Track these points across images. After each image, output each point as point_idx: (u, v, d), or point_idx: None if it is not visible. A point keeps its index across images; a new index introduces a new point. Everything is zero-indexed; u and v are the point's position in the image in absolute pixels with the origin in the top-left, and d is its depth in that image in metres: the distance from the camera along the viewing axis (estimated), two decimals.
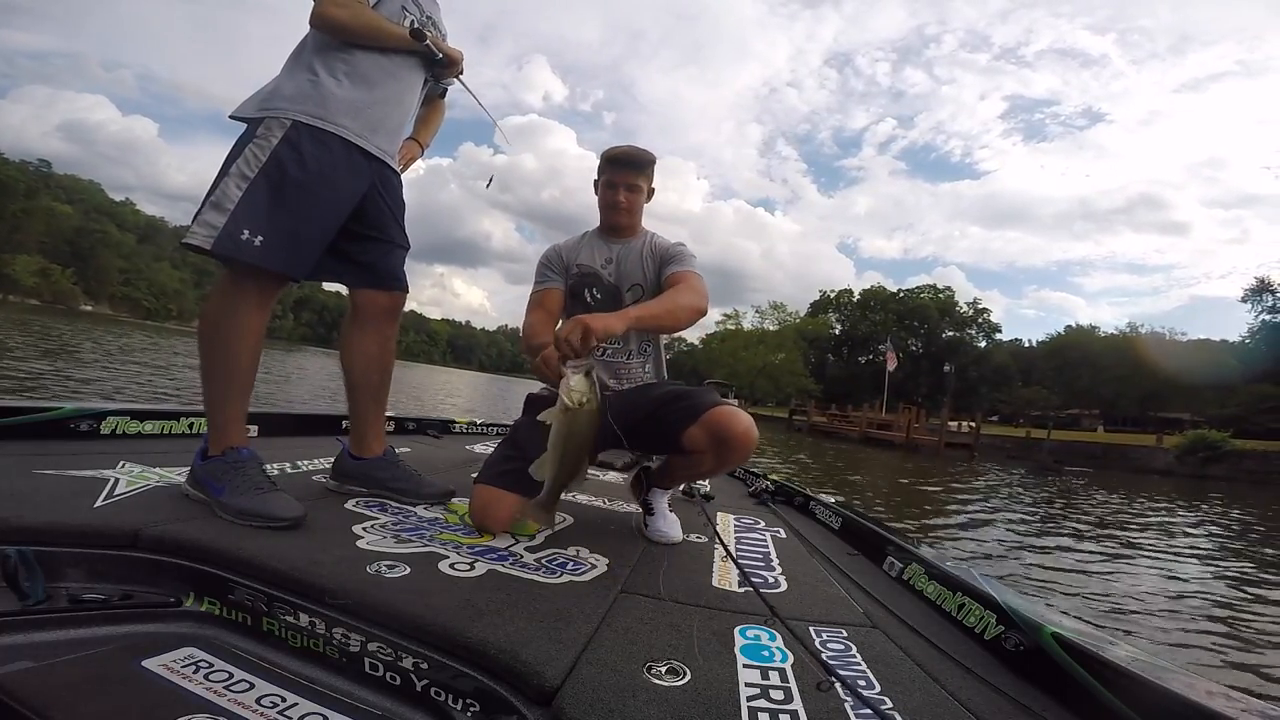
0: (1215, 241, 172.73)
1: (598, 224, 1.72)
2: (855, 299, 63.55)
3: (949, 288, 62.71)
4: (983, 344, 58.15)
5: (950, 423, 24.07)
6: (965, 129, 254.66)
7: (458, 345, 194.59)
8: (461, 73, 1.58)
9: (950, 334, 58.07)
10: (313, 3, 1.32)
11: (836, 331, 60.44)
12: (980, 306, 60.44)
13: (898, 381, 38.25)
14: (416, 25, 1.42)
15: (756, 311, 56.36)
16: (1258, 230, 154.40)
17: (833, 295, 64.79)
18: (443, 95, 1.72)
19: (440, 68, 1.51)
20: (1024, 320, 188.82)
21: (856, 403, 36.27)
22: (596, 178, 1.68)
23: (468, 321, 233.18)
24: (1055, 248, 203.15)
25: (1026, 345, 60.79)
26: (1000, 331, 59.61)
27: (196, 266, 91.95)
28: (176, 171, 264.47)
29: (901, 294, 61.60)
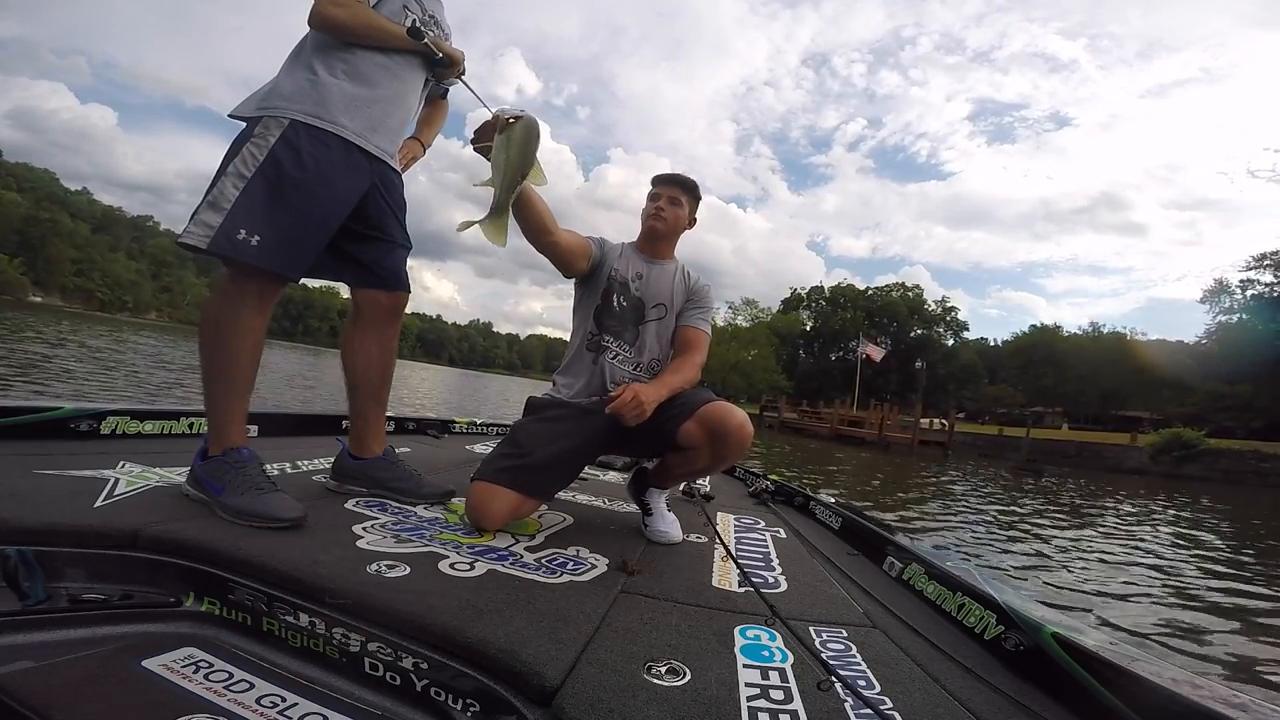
0: (1171, 243, 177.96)
1: (637, 235, 1.75)
2: (826, 296, 64.06)
3: (918, 285, 63.70)
4: (950, 342, 58.80)
5: (921, 420, 24.13)
6: (933, 130, 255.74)
7: (428, 340, 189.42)
8: (463, 73, 1.58)
9: (919, 331, 58.68)
10: (311, 2, 1.31)
11: (808, 328, 60.76)
12: (948, 305, 61.35)
13: (867, 378, 38.56)
14: (417, 24, 1.42)
15: (729, 307, 55.61)
16: (1211, 233, 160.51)
17: (804, 292, 65.28)
18: (444, 95, 1.72)
19: (441, 68, 1.51)
20: (987, 319, 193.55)
21: (827, 399, 36.50)
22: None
23: (438, 315, 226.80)
24: (1019, 249, 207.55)
25: (992, 344, 61.56)
26: (968, 330, 60.57)
27: (154, 258, 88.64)
28: (134, 161, 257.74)
29: (871, 292, 62.29)
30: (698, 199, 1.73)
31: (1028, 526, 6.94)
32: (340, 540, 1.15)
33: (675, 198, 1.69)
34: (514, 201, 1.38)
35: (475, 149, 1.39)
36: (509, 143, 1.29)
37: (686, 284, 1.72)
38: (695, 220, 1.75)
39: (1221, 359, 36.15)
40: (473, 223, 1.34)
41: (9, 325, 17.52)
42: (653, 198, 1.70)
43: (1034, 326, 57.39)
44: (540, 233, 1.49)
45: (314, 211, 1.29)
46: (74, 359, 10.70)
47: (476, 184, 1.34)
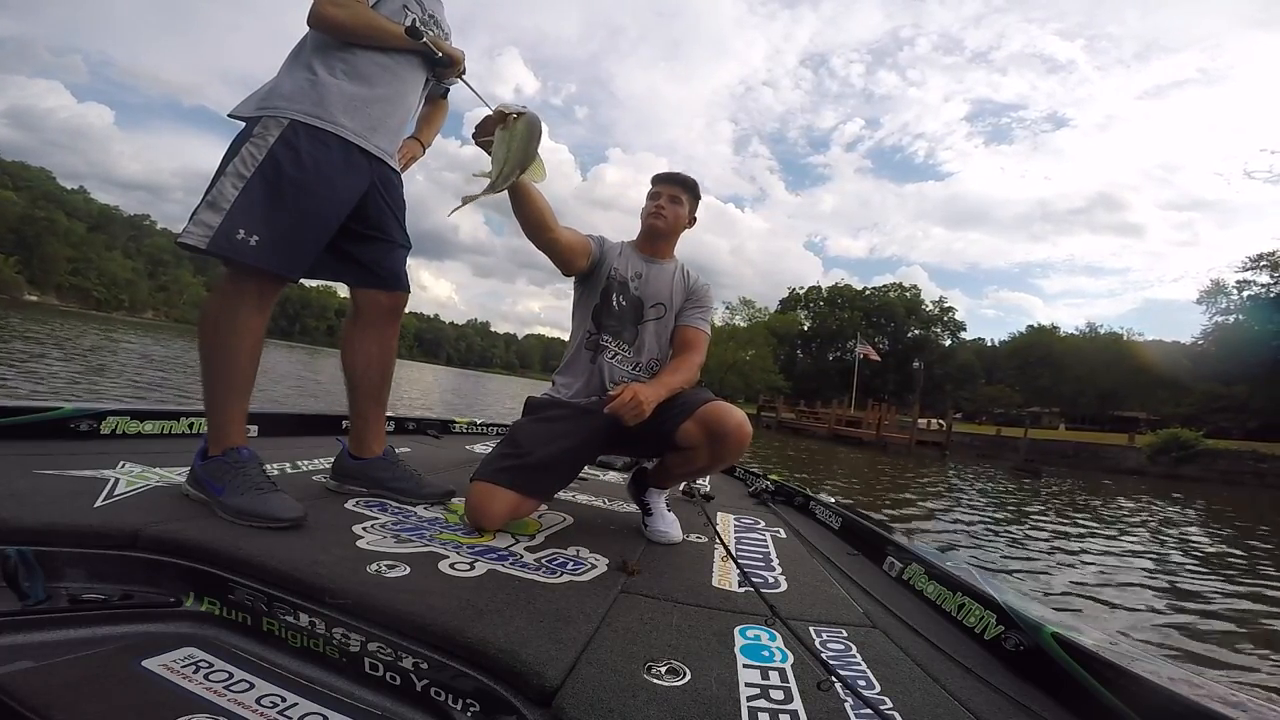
0: (1168, 244, 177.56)
1: (637, 234, 1.75)
2: (824, 296, 64.40)
3: (915, 286, 64.26)
4: (948, 342, 59.16)
5: (919, 420, 24.22)
6: (931, 130, 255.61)
7: (425, 339, 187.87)
8: (463, 72, 1.58)
9: (916, 332, 59.08)
10: (311, 2, 1.31)
11: (805, 328, 61.04)
12: (946, 305, 61.86)
13: (864, 378, 38.81)
14: (417, 24, 1.42)
15: (727, 307, 55.46)
16: (1207, 234, 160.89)
17: (802, 292, 65.65)
18: (445, 95, 1.72)
19: (441, 67, 1.51)
20: (984, 320, 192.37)
21: (825, 399, 36.75)
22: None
23: (436, 315, 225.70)
24: (1016, 249, 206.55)
25: (989, 344, 61.87)
26: (965, 330, 60.98)
27: (151, 256, 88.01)
28: (131, 160, 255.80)
29: (868, 292, 62.67)
30: (698, 198, 1.73)
31: (1028, 527, 6.94)
32: (340, 540, 1.15)
33: (676, 196, 1.69)
34: (514, 199, 1.40)
35: (477, 143, 1.39)
36: (511, 137, 1.30)
37: (686, 283, 1.72)
38: (695, 219, 1.76)
39: (1218, 360, 36.42)
40: (474, 196, 1.36)
41: None
42: (653, 196, 1.70)
43: (1031, 327, 57.87)
44: (540, 229, 1.49)
45: (313, 212, 1.29)
46: (60, 359, 10.66)
47: (476, 174, 1.35)
